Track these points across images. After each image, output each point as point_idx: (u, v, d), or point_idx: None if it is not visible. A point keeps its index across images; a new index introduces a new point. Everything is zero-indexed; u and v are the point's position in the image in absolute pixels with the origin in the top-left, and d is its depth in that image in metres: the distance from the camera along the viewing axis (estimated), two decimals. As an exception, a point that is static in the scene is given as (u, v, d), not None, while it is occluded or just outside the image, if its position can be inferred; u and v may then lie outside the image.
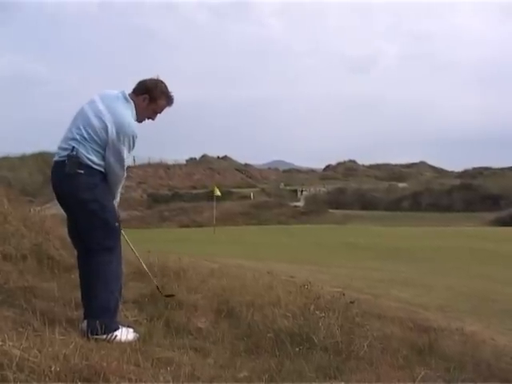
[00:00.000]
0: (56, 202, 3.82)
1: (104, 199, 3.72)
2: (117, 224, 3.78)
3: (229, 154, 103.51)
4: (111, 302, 3.68)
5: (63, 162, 3.62)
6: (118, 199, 3.97)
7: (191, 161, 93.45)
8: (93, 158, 3.62)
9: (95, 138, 3.61)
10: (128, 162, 3.77)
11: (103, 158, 3.65)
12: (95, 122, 3.63)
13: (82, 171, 3.59)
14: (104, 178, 3.72)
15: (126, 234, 4.17)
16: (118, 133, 3.62)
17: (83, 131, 3.63)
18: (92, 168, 3.63)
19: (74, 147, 3.61)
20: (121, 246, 3.88)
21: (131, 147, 3.73)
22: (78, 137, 3.63)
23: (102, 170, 3.68)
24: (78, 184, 3.61)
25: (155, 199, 61.76)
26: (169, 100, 3.96)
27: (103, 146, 3.63)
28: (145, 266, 4.73)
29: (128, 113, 3.74)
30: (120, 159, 3.70)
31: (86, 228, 3.72)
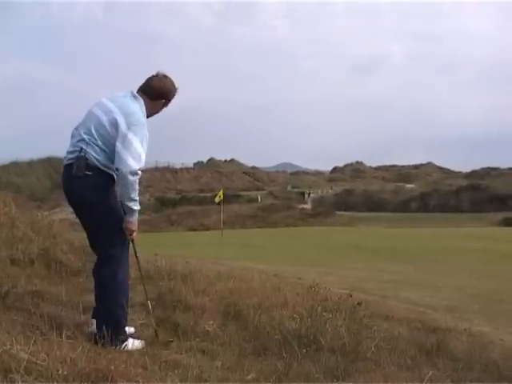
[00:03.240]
0: (64, 207, 3.81)
1: (111, 202, 3.62)
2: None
3: (236, 157, 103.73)
4: (120, 315, 3.63)
5: (71, 164, 3.54)
6: (134, 208, 3.61)
7: (198, 164, 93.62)
8: (101, 158, 3.51)
9: (105, 135, 3.51)
10: (143, 158, 3.54)
11: (113, 160, 3.51)
12: (105, 118, 3.54)
13: (90, 173, 3.49)
14: (113, 181, 3.60)
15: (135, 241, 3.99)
16: (127, 122, 3.50)
17: (93, 131, 3.53)
18: (100, 169, 3.53)
19: (81, 148, 3.51)
20: (128, 254, 3.79)
21: (144, 139, 3.56)
22: (86, 137, 3.52)
23: (111, 172, 3.56)
24: (86, 186, 3.52)
25: (163, 203, 61.83)
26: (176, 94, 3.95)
27: (113, 143, 3.49)
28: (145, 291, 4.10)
29: (136, 106, 3.64)
30: (130, 148, 3.47)
31: (94, 233, 3.68)
